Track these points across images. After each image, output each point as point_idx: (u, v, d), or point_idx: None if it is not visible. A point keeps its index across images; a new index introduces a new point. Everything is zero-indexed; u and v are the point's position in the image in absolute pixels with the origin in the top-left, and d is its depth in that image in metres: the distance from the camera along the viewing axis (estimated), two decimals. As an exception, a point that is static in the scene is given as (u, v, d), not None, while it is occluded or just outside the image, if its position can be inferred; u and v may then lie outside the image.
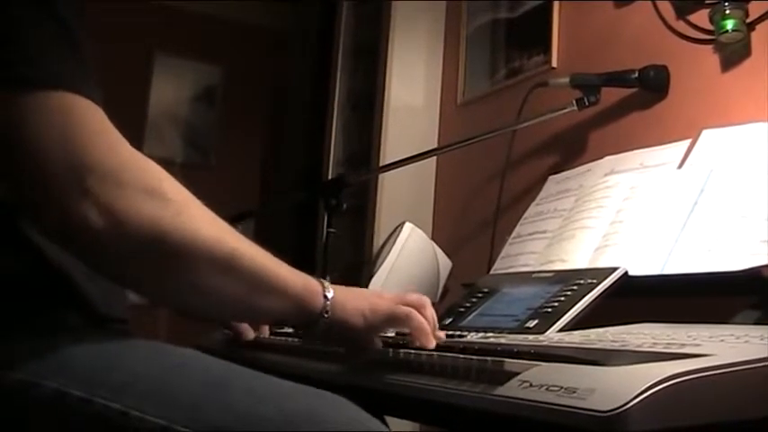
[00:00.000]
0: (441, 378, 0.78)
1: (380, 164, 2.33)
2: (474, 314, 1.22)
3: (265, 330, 1.29)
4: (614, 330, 0.94)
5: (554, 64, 1.97)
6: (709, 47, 1.53)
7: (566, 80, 1.73)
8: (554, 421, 0.61)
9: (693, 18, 1.58)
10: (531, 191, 1.81)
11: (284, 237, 3.15)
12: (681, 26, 1.61)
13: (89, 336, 0.80)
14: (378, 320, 0.91)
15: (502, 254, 1.63)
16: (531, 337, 0.99)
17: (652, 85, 1.62)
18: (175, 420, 0.71)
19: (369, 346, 0.94)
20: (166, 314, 2.90)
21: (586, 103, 1.67)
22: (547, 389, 0.63)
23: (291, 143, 3.71)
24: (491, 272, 1.62)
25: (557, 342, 0.89)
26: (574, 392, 0.61)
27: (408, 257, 1.79)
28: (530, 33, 2.09)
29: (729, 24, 1.43)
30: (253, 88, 4.09)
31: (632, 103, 1.70)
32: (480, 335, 1.03)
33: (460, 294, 1.39)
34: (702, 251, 1.14)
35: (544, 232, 1.52)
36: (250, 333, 1.27)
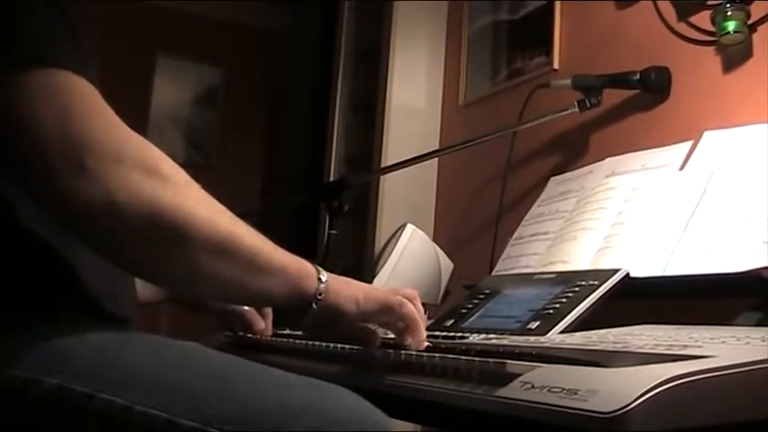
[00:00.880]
0: (442, 379, 0.78)
1: (382, 165, 2.33)
2: (476, 316, 1.21)
3: (269, 329, 1.29)
4: (616, 332, 0.94)
5: (555, 65, 1.97)
6: (711, 48, 1.53)
7: (567, 81, 1.73)
8: (556, 423, 0.61)
9: (695, 19, 1.58)
10: (533, 192, 1.80)
11: (285, 238, 3.14)
12: (682, 27, 1.61)
13: (90, 331, 0.80)
14: (370, 308, 0.91)
15: (503, 255, 1.63)
16: (532, 338, 0.99)
17: (653, 87, 1.62)
18: (177, 413, 0.72)
19: (361, 335, 0.94)
20: (168, 313, 2.90)
21: (588, 105, 1.67)
22: (549, 390, 0.63)
23: (292, 145, 3.71)
24: (493, 273, 1.62)
25: (558, 343, 0.89)
26: (576, 394, 0.61)
27: (410, 259, 1.79)
28: (531, 35, 2.09)
29: (731, 26, 1.43)
30: (254, 90, 4.09)
31: (634, 104, 1.70)
32: (482, 336, 1.03)
33: (462, 296, 1.39)
34: (704, 253, 1.14)
35: (546, 234, 1.52)
36: (260, 323, 1.28)
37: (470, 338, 1.02)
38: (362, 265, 2.35)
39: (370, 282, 1.75)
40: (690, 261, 1.15)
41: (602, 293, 1.08)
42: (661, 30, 1.65)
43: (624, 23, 1.77)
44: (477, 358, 0.75)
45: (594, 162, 1.59)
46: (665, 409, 0.58)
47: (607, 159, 1.55)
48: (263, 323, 1.30)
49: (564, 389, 0.62)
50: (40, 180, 0.72)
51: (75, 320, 0.82)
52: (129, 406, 0.72)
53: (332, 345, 1.03)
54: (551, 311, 1.07)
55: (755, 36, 1.44)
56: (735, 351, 0.70)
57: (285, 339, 1.22)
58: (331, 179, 2.67)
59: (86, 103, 0.73)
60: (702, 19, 1.54)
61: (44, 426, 0.75)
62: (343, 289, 0.90)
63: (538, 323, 1.06)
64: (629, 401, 0.57)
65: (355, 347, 0.97)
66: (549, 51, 1.99)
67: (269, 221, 3.30)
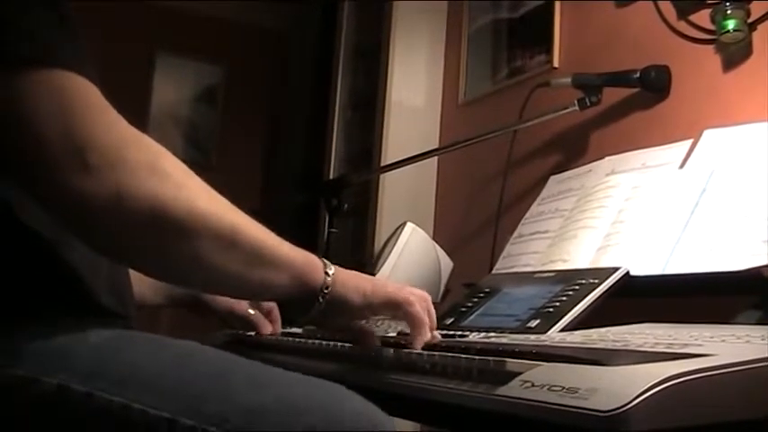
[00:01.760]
0: (442, 378, 0.78)
1: (382, 164, 2.33)
2: (475, 314, 1.22)
3: (277, 328, 1.29)
4: (616, 330, 0.94)
5: (555, 64, 1.97)
6: (711, 47, 1.53)
7: (567, 80, 1.73)
8: (556, 421, 0.61)
9: (695, 18, 1.58)
10: (533, 191, 1.81)
11: (285, 237, 3.15)
12: (682, 26, 1.61)
13: (89, 330, 0.80)
14: (377, 301, 0.91)
15: (503, 254, 1.63)
16: (532, 336, 0.99)
17: (653, 86, 1.62)
18: (178, 412, 0.71)
19: (360, 335, 0.94)
20: (168, 313, 2.90)
21: (588, 104, 1.67)
22: (548, 389, 0.64)
23: (292, 143, 3.71)
24: (493, 272, 1.62)
25: (558, 342, 0.89)
26: (575, 392, 0.61)
27: (410, 257, 1.79)
28: (531, 33, 2.09)
29: (731, 24, 1.43)
30: (254, 88, 4.09)
31: (634, 103, 1.70)
32: (482, 335, 1.03)
33: (462, 294, 1.39)
34: (704, 251, 1.14)
35: (546, 232, 1.52)
36: (267, 327, 1.28)
37: (470, 337, 1.02)
38: (362, 264, 2.35)
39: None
40: (690, 259, 1.15)
41: (602, 292, 1.08)
42: (661, 28, 1.65)
43: (624, 22, 1.77)
44: (476, 357, 0.75)
45: (594, 161, 1.59)
46: (665, 407, 0.58)
47: (607, 158, 1.55)
48: (269, 327, 1.29)
49: (564, 387, 0.62)
50: (42, 179, 0.72)
51: (75, 319, 0.82)
52: (129, 405, 0.72)
53: (332, 343, 1.03)
54: (551, 310, 1.07)
55: (755, 34, 1.44)
56: (735, 350, 0.70)
57: (285, 338, 1.22)
58: (331, 178, 2.67)
59: (87, 101, 0.73)
60: (702, 17, 1.54)
61: (44, 425, 0.75)
62: (352, 281, 0.90)
63: (538, 321, 1.06)
64: (629, 400, 0.57)
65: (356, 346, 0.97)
66: (549, 50, 1.99)
67: (269, 220, 3.30)
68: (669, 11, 1.64)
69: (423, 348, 0.88)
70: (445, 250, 1.93)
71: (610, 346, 0.80)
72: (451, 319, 1.24)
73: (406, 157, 1.98)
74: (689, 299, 1.17)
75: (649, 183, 1.34)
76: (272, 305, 1.30)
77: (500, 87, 2.19)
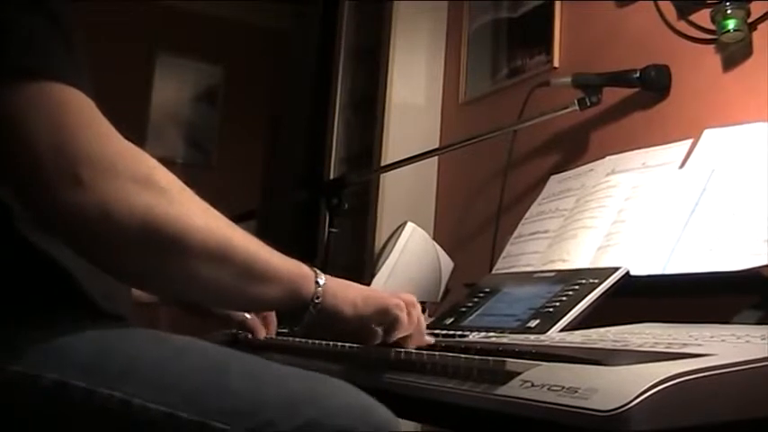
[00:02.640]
0: (443, 378, 0.79)
1: (382, 163, 2.33)
2: (476, 314, 1.22)
3: (272, 330, 1.29)
4: (616, 330, 0.94)
5: (555, 64, 1.97)
6: (711, 47, 1.53)
7: (567, 80, 1.73)
8: (556, 421, 0.61)
9: (695, 18, 1.58)
10: (533, 190, 1.81)
11: (285, 237, 3.16)
12: (682, 26, 1.61)
13: (87, 326, 0.80)
14: (369, 310, 0.91)
15: (503, 253, 1.63)
16: (532, 336, 0.99)
17: (654, 85, 1.62)
18: (177, 406, 0.72)
19: (362, 333, 0.93)
20: (167, 313, 2.90)
21: (588, 103, 1.67)
22: (548, 389, 0.64)
23: (293, 143, 3.71)
24: (493, 272, 1.62)
25: (558, 342, 0.89)
26: (575, 392, 0.61)
27: (410, 257, 1.79)
28: (531, 33, 2.09)
29: (731, 24, 1.43)
30: (254, 88, 4.09)
31: (634, 102, 1.70)
32: (482, 335, 1.03)
33: (462, 294, 1.39)
34: (704, 251, 1.14)
35: (546, 232, 1.52)
36: (262, 331, 1.28)
37: (470, 337, 1.02)
38: (362, 264, 2.36)
39: (370, 280, 1.75)
40: (690, 259, 1.15)
41: (601, 292, 1.08)
42: (661, 28, 1.65)
43: (624, 22, 1.77)
44: (476, 356, 0.75)
45: (595, 160, 1.59)
46: (665, 407, 0.58)
47: (607, 158, 1.55)
48: (263, 331, 1.29)
49: (564, 387, 0.62)
50: (34, 192, 0.72)
51: (72, 319, 0.82)
52: (128, 399, 0.72)
53: (332, 343, 1.03)
54: (551, 310, 1.07)
55: (755, 34, 1.44)
56: (735, 349, 0.70)
57: (285, 338, 1.22)
58: (331, 177, 2.67)
59: (79, 115, 0.73)
60: (702, 17, 1.54)
61: (44, 420, 0.75)
62: (342, 291, 0.90)
63: (538, 321, 1.06)
64: (629, 400, 0.57)
65: (355, 345, 0.97)
66: (549, 49, 1.99)
67: (269, 220, 3.30)
68: (669, 10, 1.64)
69: (422, 349, 0.88)
70: (445, 250, 1.93)
71: (610, 345, 0.80)
72: (451, 319, 1.24)
73: (406, 156, 1.98)
74: (689, 299, 1.17)
75: (649, 182, 1.34)
76: None
77: (500, 87, 2.19)
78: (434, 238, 2.01)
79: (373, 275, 1.76)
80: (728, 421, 0.62)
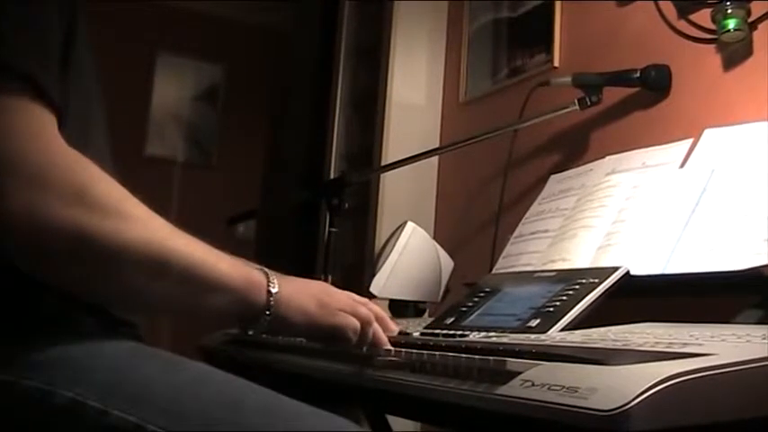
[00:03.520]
0: (443, 377, 0.79)
1: (382, 163, 2.33)
2: (476, 314, 1.21)
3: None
4: (616, 330, 0.94)
5: (556, 63, 1.97)
6: (711, 46, 1.53)
7: (568, 79, 1.73)
8: (556, 420, 0.61)
9: (695, 17, 1.58)
10: (533, 190, 1.81)
11: (286, 236, 3.15)
12: (683, 25, 1.61)
13: (104, 344, 0.80)
14: (320, 322, 0.90)
15: (504, 253, 1.63)
16: (532, 336, 0.99)
17: (654, 85, 1.62)
18: None
19: (317, 341, 0.93)
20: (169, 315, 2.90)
21: (588, 103, 1.67)
22: (549, 388, 0.64)
23: (293, 142, 3.70)
24: (493, 271, 1.62)
25: (559, 341, 0.89)
26: (576, 392, 0.61)
27: (410, 257, 1.79)
28: (532, 32, 2.09)
29: (731, 24, 1.43)
30: (254, 87, 4.09)
31: (634, 102, 1.70)
32: (482, 334, 1.03)
33: (462, 294, 1.39)
34: (704, 251, 1.14)
35: (546, 231, 1.52)
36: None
37: (471, 336, 1.01)
38: (363, 264, 2.35)
39: (371, 280, 1.75)
40: (690, 259, 1.15)
41: (602, 291, 1.08)
42: (661, 27, 1.65)
43: (625, 21, 1.77)
44: (477, 356, 0.75)
45: (595, 160, 1.59)
46: (666, 406, 0.58)
47: (607, 157, 1.55)
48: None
49: (564, 387, 0.62)
50: None
51: (88, 328, 0.82)
52: (142, 425, 0.72)
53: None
54: (552, 309, 1.07)
55: (756, 34, 1.44)
56: (735, 349, 0.70)
57: (284, 337, 1.22)
58: (331, 177, 2.67)
59: (21, 124, 0.72)
60: (703, 17, 1.54)
61: None
62: (295, 300, 0.88)
63: (538, 321, 1.06)
64: (630, 399, 0.57)
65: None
66: (549, 49, 1.99)
67: (269, 219, 3.30)
68: (670, 10, 1.64)
69: (423, 348, 0.88)
70: (446, 250, 1.93)
71: (610, 345, 0.80)
72: (452, 319, 1.24)
73: (406, 156, 1.98)
74: (689, 298, 1.17)
75: (650, 182, 1.34)
76: None
77: (500, 87, 2.19)
78: (435, 238, 2.01)
79: (373, 275, 1.76)
80: (729, 421, 0.62)
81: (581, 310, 1.05)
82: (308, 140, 3.33)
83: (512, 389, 0.68)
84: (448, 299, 1.84)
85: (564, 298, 1.09)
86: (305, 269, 2.55)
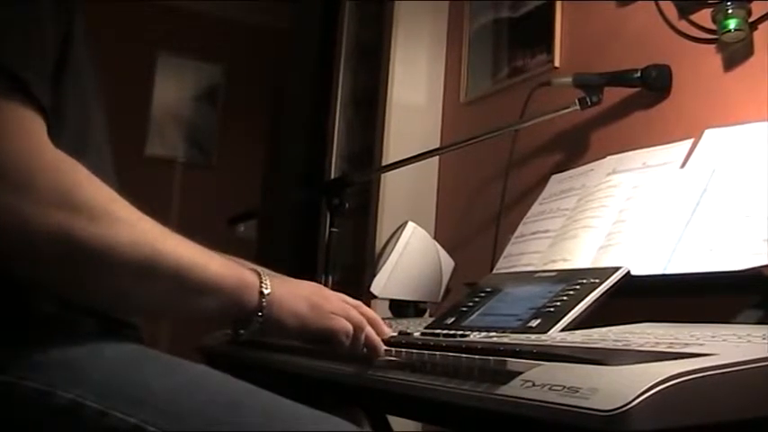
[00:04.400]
0: (443, 377, 0.79)
1: (383, 163, 2.33)
2: (476, 314, 1.21)
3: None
4: (617, 330, 0.94)
5: (556, 63, 1.97)
6: (712, 46, 1.53)
7: (568, 79, 1.73)
8: (557, 421, 0.61)
9: (696, 17, 1.58)
10: (534, 190, 1.80)
11: (286, 236, 3.16)
12: (683, 25, 1.61)
13: (104, 345, 0.80)
14: (312, 326, 0.90)
15: (504, 253, 1.63)
16: (533, 336, 0.99)
17: (654, 85, 1.62)
18: None
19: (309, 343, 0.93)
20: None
21: (589, 103, 1.67)
22: (549, 388, 0.64)
23: (293, 142, 3.71)
24: (494, 271, 1.62)
25: (559, 341, 0.89)
26: (576, 392, 0.61)
27: (411, 257, 1.79)
28: (532, 33, 2.09)
29: (732, 24, 1.43)
30: (255, 87, 4.09)
31: (635, 102, 1.70)
32: (483, 334, 1.02)
33: (463, 294, 1.39)
34: (705, 251, 1.14)
35: (547, 231, 1.52)
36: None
37: (471, 336, 1.01)
38: (363, 264, 2.35)
39: (371, 280, 1.75)
40: (691, 259, 1.15)
41: (602, 291, 1.08)
42: (662, 28, 1.65)
43: (625, 21, 1.77)
44: (477, 356, 0.75)
45: (595, 160, 1.59)
46: (666, 406, 0.58)
47: (608, 157, 1.55)
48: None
49: (565, 387, 0.62)
50: None
51: (88, 331, 0.82)
52: (142, 426, 0.72)
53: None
54: (552, 309, 1.07)
55: (756, 34, 1.44)
56: (736, 349, 0.70)
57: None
58: (332, 177, 2.67)
59: (7, 127, 0.72)
60: (703, 17, 1.54)
61: None
62: (288, 301, 0.88)
63: (539, 321, 1.06)
64: (630, 399, 0.57)
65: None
66: (550, 49, 1.99)
67: (270, 219, 3.30)
68: (670, 10, 1.64)
69: (423, 348, 0.88)
70: (446, 250, 1.93)
71: (611, 345, 0.80)
72: (452, 319, 1.24)
73: (407, 156, 1.98)
74: (690, 298, 1.17)
75: (650, 182, 1.34)
76: None
77: (501, 87, 2.19)
78: (435, 238, 2.01)
79: (374, 275, 1.76)
80: (730, 421, 0.62)
81: (582, 310, 1.05)
82: (308, 140, 3.33)
83: (512, 389, 0.68)
84: (448, 299, 1.84)
85: (564, 298, 1.09)
86: (306, 269, 2.55)
